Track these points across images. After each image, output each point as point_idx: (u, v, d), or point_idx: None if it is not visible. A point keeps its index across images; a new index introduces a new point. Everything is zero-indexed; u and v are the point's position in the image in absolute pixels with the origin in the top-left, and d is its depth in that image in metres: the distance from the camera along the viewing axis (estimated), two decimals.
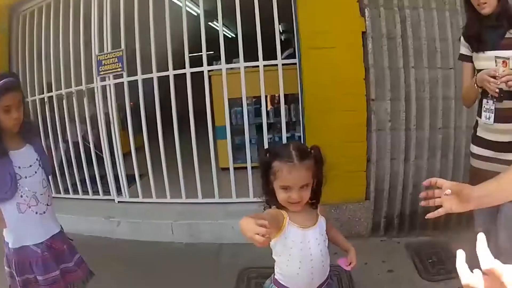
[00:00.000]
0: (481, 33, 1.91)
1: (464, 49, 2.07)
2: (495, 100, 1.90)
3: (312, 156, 1.50)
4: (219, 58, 3.60)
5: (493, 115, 1.94)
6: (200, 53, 3.54)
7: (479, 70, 1.96)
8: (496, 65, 1.83)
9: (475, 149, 2.10)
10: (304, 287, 1.57)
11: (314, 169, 1.49)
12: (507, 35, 1.87)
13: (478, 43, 1.92)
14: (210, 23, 3.60)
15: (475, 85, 1.97)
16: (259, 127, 3.66)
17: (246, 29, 3.40)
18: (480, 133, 2.07)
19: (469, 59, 2.05)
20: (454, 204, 1.19)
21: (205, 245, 3.38)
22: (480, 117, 2.02)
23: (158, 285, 2.85)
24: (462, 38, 2.06)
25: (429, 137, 3.14)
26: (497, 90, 1.81)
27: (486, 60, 1.91)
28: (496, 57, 1.84)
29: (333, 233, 1.71)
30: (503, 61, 1.81)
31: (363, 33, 3.06)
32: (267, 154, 1.52)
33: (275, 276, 1.63)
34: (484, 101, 1.97)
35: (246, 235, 1.16)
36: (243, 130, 3.68)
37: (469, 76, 2.08)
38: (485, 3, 1.85)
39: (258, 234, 1.14)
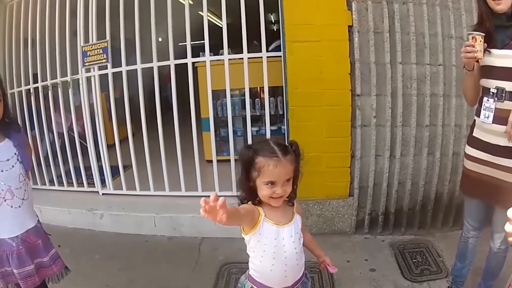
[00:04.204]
0: (491, 32, 1.87)
1: None
2: (496, 98, 1.88)
3: (292, 150, 1.50)
4: (211, 48, 3.55)
5: (492, 114, 1.90)
6: (194, 42, 3.53)
7: (484, 66, 1.94)
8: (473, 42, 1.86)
9: (470, 150, 2.07)
10: (278, 284, 1.56)
11: (295, 164, 1.49)
12: None
13: (487, 41, 1.88)
14: (200, 12, 3.53)
15: (464, 68, 1.95)
16: (246, 119, 3.62)
17: (236, 19, 3.35)
18: (476, 133, 2.03)
19: None
20: None
21: (186, 239, 3.38)
22: (479, 116, 1.98)
23: (138, 279, 2.84)
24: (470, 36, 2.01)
25: (416, 135, 3.09)
26: (468, 56, 1.85)
27: (494, 57, 1.88)
28: (468, 33, 1.86)
29: (306, 237, 1.70)
30: (473, 37, 1.83)
31: (350, 27, 3.01)
32: (250, 150, 1.50)
33: (250, 272, 1.62)
34: (485, 99, 1.94)
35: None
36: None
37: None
38: None
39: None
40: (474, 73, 1.99)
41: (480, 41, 1.82)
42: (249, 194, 1.53)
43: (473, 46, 1.83)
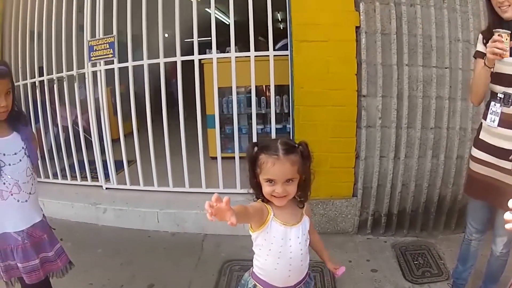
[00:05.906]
0: None
1: (481, 46, 2.01)
2: (503, 103, 1.90)
3: (298, 151, 1.49)
4: (217, 45, 3.55)
5: (498, 118, 1.93)
6: (200, 39, 3.52)
7: (492, 73, 1.93)
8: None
9: (476, 152, 2.08)
10: (280, 283, 1.57)
11: (300, 165, 1.47)
12: None
13: None
14: (207, 9, 3.53)
15: (484, 64, 1.91)
16: (251, 117, 3.63)
17: (243, 17, 3.35)
18: (482, 136, 2.05)
19: (484, 56, 1.99)
20: None
21: (189, 235, 3.38)
22: (486, 119, 2.01)
23: (140, 274, 2.85)
24: (480, 36, 2.02)
25: (420, 137, 3.09)
26: (496, 51, 1.78)
27: (502, 64, 1.89)
28: (495, 30, 1.81)
29: (315, 238, 1.70)
30: (499, 35, 1.78)
31: (357, 27, 3.01)
32: (255, 147, 1.50)
33: (253, 269, 1.63)
34: (492, 103, 1.96)
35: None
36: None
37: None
38: (510, 5, 1.81)
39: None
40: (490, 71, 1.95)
41: (506, 39, 1.78)
42: (257, 190, 1.53)
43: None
